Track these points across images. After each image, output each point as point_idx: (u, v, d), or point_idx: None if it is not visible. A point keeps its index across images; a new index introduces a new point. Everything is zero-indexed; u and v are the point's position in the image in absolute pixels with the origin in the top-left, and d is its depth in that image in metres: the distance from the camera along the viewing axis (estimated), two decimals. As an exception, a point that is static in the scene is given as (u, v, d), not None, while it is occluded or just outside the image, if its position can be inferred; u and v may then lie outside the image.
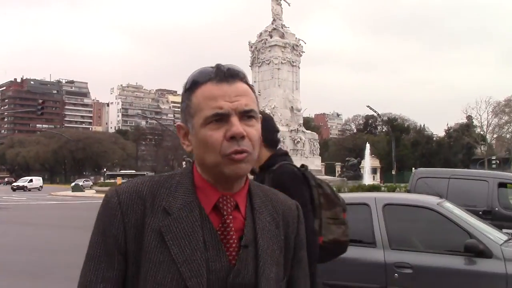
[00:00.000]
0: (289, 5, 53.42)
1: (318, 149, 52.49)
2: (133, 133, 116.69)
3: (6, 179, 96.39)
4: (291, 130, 48.90)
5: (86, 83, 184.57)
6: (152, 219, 1.27)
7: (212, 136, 1.27)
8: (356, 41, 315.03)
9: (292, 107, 50.67)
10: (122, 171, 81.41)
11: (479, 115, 73.66)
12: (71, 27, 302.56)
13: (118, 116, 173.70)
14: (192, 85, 1.32)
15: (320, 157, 53.62)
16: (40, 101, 51.25)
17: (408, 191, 11.71)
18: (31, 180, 63.79)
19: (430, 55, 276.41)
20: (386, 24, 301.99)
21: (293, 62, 51.40)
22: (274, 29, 51.69)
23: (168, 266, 1.23)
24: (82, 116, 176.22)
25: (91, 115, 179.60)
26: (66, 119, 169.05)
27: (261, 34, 52.63)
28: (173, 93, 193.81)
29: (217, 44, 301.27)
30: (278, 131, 3.08)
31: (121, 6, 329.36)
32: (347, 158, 55.15)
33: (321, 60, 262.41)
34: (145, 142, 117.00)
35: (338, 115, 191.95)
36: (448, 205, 6.01)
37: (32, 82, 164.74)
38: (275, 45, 50.54)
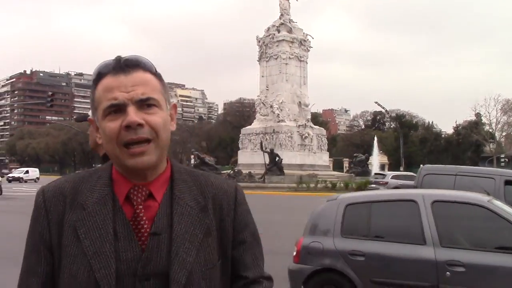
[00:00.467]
0: (296, 0, 53.36)
1: (326, 144, 52.45)
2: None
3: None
4: (299, 125, 48.88)
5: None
6: (70, 215, 1.33)
7: (109, 127, 1.29)
8: (365, 36, 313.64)
9: (300, 102, 50.64)
10: None
11: (488, 112, 73.16)
12: (81, 20, 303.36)
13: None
14: (97, 78, 1.35)
15: (328, 152, 53.55)
16: (50, 93, 51.36)
17: (415, 187, 11.71)
18: (27, 172, 63.19)
19: (440, 51, 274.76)
20: (395, 19, 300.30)
21: (300, 57, 51.29)
22: (282, 24, 51.60)
23: (81, 259, 1.29)
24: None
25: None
26: (75, 111, 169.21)
27: (268, 29, 52.55)
28: (181, 86, 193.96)
29: (225, 39, 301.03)
30: None
31: (126, 1, 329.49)
32: (355, 154, 55.08)
33: (329, 55, 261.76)
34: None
35: (346, 110, 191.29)
36: (498, 202, 5.95)
37: (41, 74, 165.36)
38: (283, 40, 50.46)
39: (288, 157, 43.94)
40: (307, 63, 52.35)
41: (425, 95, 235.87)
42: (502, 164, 64.88)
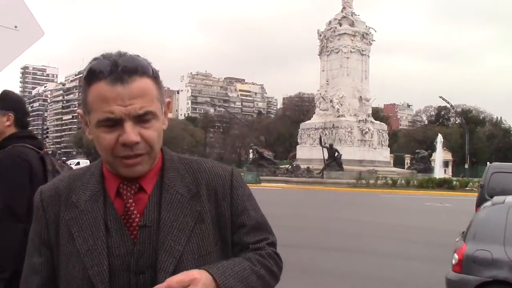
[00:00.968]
0: (360, -8, 52.43)
1: (387, 140, 51.39)
2: (202, 120, 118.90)
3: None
4: (359, 120, 48.14)
5: (158, 70, 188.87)
6: (65, 213, 1.34)
7: (104, 139, 1.26)
8: (430, 28, 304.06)
9: (360, 96, 49.84)
10: None
11: None
12: (144, 16, 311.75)
13: (187, 103, 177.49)
14: (88, 76, 1.27)
15: (389, 148, 52.46)
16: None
17: (481, 186, 11.22)
18: (78, 163, 63.55)
19: (509, 44, 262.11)
20: (462, 10, 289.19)
21: (362, 50, 50.43)
22: (344, 17, 50.89)
23: (76, 257, 1.29)
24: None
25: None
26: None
27: (330, 22, 51.97)
28: (241, 81, 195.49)
29: (286, 33, 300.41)
30: (28, 114, 2.99)
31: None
32: (417, 150, 53.52)
33: (392, 48, 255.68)
34: (213, 129, 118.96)
35: (408, 105, 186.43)
36: None
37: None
38: (344, 33, 49.78)
39: (347, 153, 43.34)
40: (369, 56, 51.41)
41: (493, 89, 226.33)
42: None
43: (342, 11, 51.44)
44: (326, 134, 47.32)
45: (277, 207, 20.14)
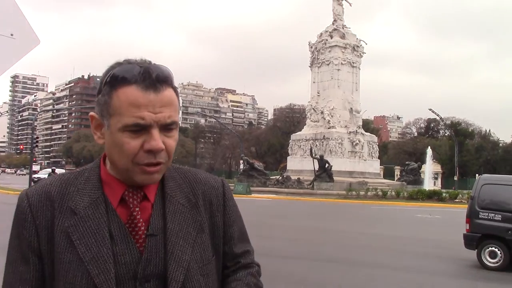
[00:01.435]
0: (350, 5, 52.77)
1: (377, 152, 51.57)
2: (193, 131, 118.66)
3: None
4: (350, 132, 48.30)
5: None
6: (61, 220, 1.29)
7: (129, 144, 1.25)
8: (420, 41, 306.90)
9: (351, 108, 50.05)
10: None
11: (550, 121, 69.96)
12: (139, 27, 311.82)
13: (178, 113, 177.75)
14: (113, 80, 1.26)
15: (379, 160, 52.63)
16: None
17: (472, 198, 11.29)
18: (53, 171, 60.65)
19: (498, 58, 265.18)
20: (453, 24, 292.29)
21: (353, 63, 50.73)
22: (335, 29, 51.22)
23: (77, 265, 1.25)
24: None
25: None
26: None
27: (321, 34, 52.28)
28: (232, 92, 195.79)
29: (277, 44, 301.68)
30: None
31: (183, 7, 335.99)
32: (407, 162, 53.75)
33: (382, 61, 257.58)
34: (204, 140, 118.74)
35: (398, 117, 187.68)
36: None
37: (98, 79, 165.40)
38: (335, 45, 50.08)
39: (338, 164, 43.43)
40: (359, 69, 51.72)
41: (482, 102, 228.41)
42: None
43: (333, 24, 51.79)
44: (316, 145, 47.40)
45: (267, 218, 20.10)
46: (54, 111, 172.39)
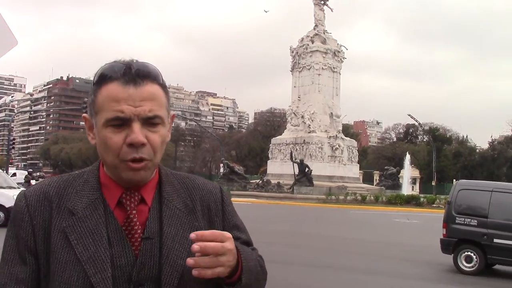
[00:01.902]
0: (332, 10, 53.17)
1: (357, 156, 51.92)
2: (173, 134, 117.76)
3: None
4: (330, 137, 48.55)
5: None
6: (58, 220, 1.29)
7: (112, 139, 1.26)
8: (400, 47, 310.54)
9: (331, 113, 50.35)
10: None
11: (526, 127, 71.42)
12: (118, 27, 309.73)
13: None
14: (100, 79, 1.29)
15: (358, 164, 52.98)
16: (86, 99, 52.32)
17: (449, 203, 11.44)
18: (14, 174, 57.02)
19: (476, 65, 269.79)
20: (432, 31, 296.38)
21: (334, 68, 51.07)
22: (316, 34, 51.53)
23: (73, 265, 1.25)
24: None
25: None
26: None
27: (302, 39, 52.56)
28: (213, 95, 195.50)
29: (259, 48, 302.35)
30: None
31: (165, 8, 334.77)
32: (385, 167, 54.25)
33: (362, 66, 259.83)
34: (184, 143, 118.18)
35: (378, 123, 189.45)
36: None
37: (77, 81, 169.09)
38: (316, 50, 50.36)
39: (318, 168, 43.61)
40: (340, 74, 52.08)
41: (460, 108, 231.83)
42: (539, 181, 63.04)
43: (314, 29, 52.09)
44: (297, 149, 47.55)
45: (247, 222, 20.06)
46: (32, 112, 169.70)
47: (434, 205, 34.46)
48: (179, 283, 1.29)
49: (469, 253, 10.71)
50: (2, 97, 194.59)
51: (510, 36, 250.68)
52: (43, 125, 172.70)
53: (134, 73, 1.27)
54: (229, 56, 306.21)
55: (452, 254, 10.95)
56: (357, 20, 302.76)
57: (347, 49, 52.83)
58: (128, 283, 1.28)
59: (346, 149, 49.50)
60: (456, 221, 10.96)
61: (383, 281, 9.60)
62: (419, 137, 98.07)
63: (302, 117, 49.54)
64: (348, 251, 13.13)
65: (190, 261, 1.23)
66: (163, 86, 1.33)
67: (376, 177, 68.84)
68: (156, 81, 1.31)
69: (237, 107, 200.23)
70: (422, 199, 36.05)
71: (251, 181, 45.84)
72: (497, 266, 11.19)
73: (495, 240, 10.43)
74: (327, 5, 52.69)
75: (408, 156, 57.66)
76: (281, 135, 53.75)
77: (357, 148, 53.55)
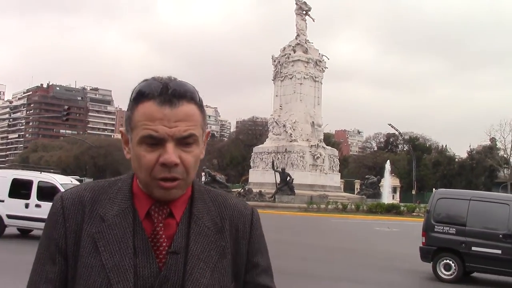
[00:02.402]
0: (313, 20, 53.57)
1: (338, 165, 52.17)
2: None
3: None
4: (311, 146, 48.75)
5: (110, 90, 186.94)
6: (89, 225, 1.33)
7: (145, 157, 1.28)
8: (380, 58, 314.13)
9: (313, 122, 50.60)
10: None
11: (503, 137, 72.54)
12: (98, 35, 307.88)
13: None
14: (138, 96, 1.31)
15: (340, 173, 53.24)
16: (66, 107, 51.87)
17: (428, 211, 11.58)
18: None
19: (455, 75, 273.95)
20: (412, 42, 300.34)
21: (315, 77, 51.40)
22: (298, 44, 51.86)
23: (98, 271, 1.28)
24: (105, 123, 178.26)
25: (113, 122, 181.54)
26: (89, 125, 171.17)
27: (284, 48, 52.81)
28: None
29: (241, 57, 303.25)
30: None
31: (146, 16, 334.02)
32: (366, 176, 54.67)
33: (344, 76, 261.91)
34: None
35: (359, 132, 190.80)
36: None
37: (57, 88, 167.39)
38: (298, 60, 50.66)
39: (299, 177, 43.73)
40: (321, 83, 52.43)
41: (439, 118, 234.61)
42: (517, 190, 64.01)
43: (296, 38, 52.43)
44: (278, 158, 47.65)
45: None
46: (11, 120, 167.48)
47: (414, 213, 34.81)
48: None
49: (447, 261, 10.84)
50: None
51: (488, 46, 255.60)
52: (22, 133, 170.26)
53: (171, 93, 1.29)
54: (211, 64, 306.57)
55: (431, 262, 11.06)
56: (339, 30, 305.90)
57: (328, 59, 53.31)
58: None
59: (328, 158, 49.75)
60: (435, 230, 11.09)
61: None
62: (400, 146, 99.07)
63: (284, 126, 49.70)
64: (329, 260, 13.17)
65: None
66: (199, 105, 1.34)
67: (357, 186, 69.30)
68: (193, 100, 1.32)
69: (219, 116, 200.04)
70: (402, 208, 36.38)
71: (233, 190, 45.75)
72: (475, 274, 11.34)
73: (473, 248, 10.58)
74: (309, 15, 53.13)
75: (388, 165, 58.22)
76: (263, 144, 53.81)
77: (338, 157, 53.84)
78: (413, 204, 40.79)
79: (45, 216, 1.46)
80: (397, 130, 60.44)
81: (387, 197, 51.31)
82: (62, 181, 14.89)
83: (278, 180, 40.85)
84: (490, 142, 76.80)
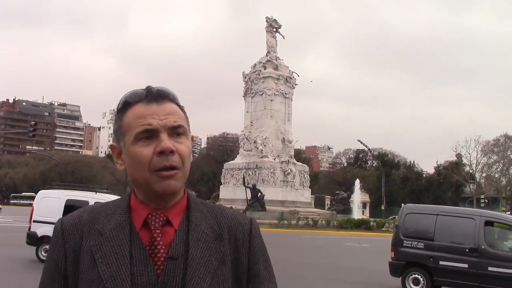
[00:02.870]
0: (283, 38, 54.19)
1: (308, 181, 52.45)
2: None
3: None
4: (282, 162, 48.94)
5: (79, 106, 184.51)
6: (87, 241, 1.36)
7: (141, 152, 1.34)
8: (350, 75, 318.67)
9: (283, 138, 50.89)
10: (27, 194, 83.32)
11: (469, 153, 74.48)
12: (66, 50, 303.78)
13: (109, 140, 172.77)
14: (124, 106, 1.40)
15: (310, 189, 53.49)
16: (33, 122, 50.83)
17: (397, 226, 11.73)
18: None
19: (423, 91, 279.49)
20: (381, 59, 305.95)
21: (286, 94, 51.84)
22: (268, 61, 52.29)
23: (97, 283, 1.30)
24: (73, 140, 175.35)
25: (82, 138, 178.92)
26: (56, 141, 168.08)
27: (255, 65, 53.17)
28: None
29: (211, 73, 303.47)
30: None
31: (116, 31, 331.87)
32: (336, 192, 55.19)
33: (314, 92, 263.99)
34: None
35: (329, 148, 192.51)
36: None
37: (24, 103, 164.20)
38: (269, 76, 51.05)
39: (270, 193, 43.80)
40: (292, 100, 52.87)
41: (407, 134, 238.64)
42: (482, 205, 65.56)
43: (266, 55, 52.87)
44: (249, 174, 47.64)
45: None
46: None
47: (384, 228, 35.22)
48: None
49: (416, 275, 10.98)
50: None
51: (455, 63, 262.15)
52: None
53: (156, 93, 1.39)
54: (181, 79, 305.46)
55: (401, 277, 11.19)
56: (309, 47, 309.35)
57: (298, 76, 53.85)
58: None
59: (298, 174, 50.01)
60: (404, 244, 11.24)
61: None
62: (369, 162, 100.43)
63: (255, 142, 49.83)
64: (301, 276, 13.19)
65: None
66: (181, 107, 1.44)
67: (327, 201, 69.74)
68: (175, 102, 1.42)
69: (190, 132, 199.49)
70: (372, 223, 36.77)
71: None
72: (443, 288, 11.52)
73: (441, 262, 10.75)
74: (279, 32, 53.72)
75: (357, 181, 58.88)
76: (233, 160, 53.75)
77: (308, 173, 54.17)
78: (382, 219, 41.24)
79: None
80: (366, 146, 61.20)
81: (357, 212, 51.84)
82: None
83: (249, 196, 40.80)
84: (456, 158, 78.56)
